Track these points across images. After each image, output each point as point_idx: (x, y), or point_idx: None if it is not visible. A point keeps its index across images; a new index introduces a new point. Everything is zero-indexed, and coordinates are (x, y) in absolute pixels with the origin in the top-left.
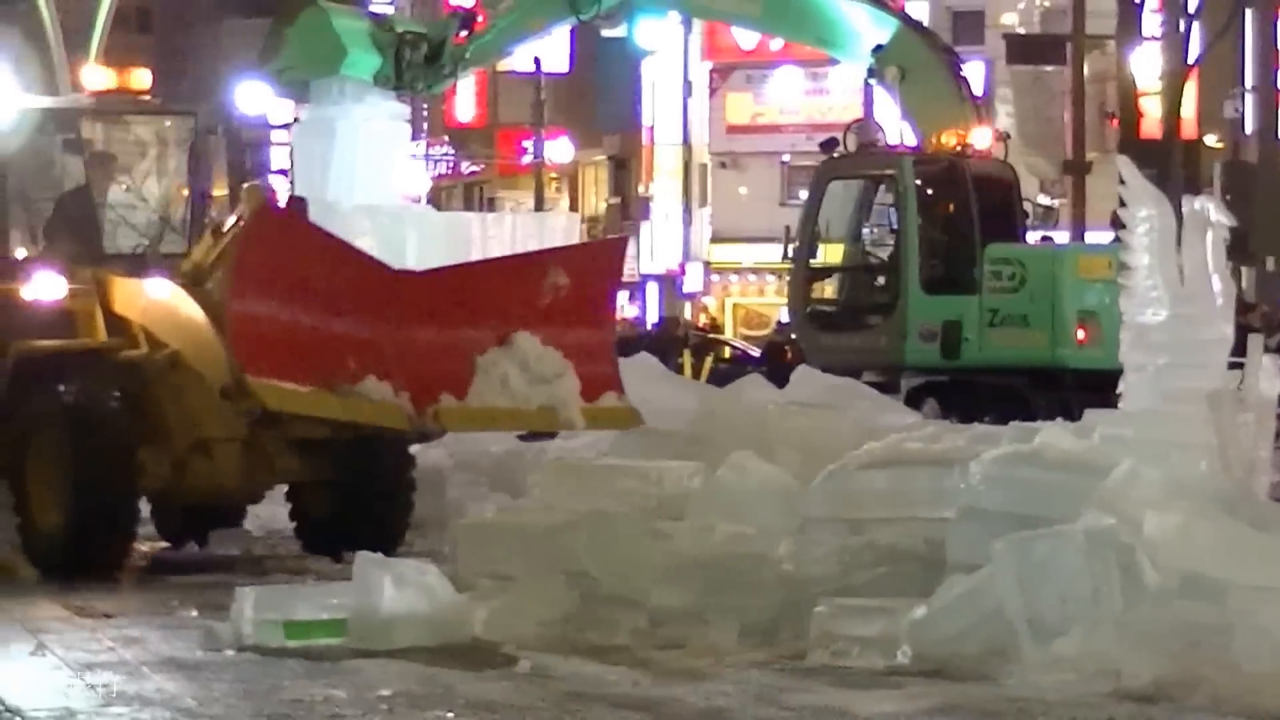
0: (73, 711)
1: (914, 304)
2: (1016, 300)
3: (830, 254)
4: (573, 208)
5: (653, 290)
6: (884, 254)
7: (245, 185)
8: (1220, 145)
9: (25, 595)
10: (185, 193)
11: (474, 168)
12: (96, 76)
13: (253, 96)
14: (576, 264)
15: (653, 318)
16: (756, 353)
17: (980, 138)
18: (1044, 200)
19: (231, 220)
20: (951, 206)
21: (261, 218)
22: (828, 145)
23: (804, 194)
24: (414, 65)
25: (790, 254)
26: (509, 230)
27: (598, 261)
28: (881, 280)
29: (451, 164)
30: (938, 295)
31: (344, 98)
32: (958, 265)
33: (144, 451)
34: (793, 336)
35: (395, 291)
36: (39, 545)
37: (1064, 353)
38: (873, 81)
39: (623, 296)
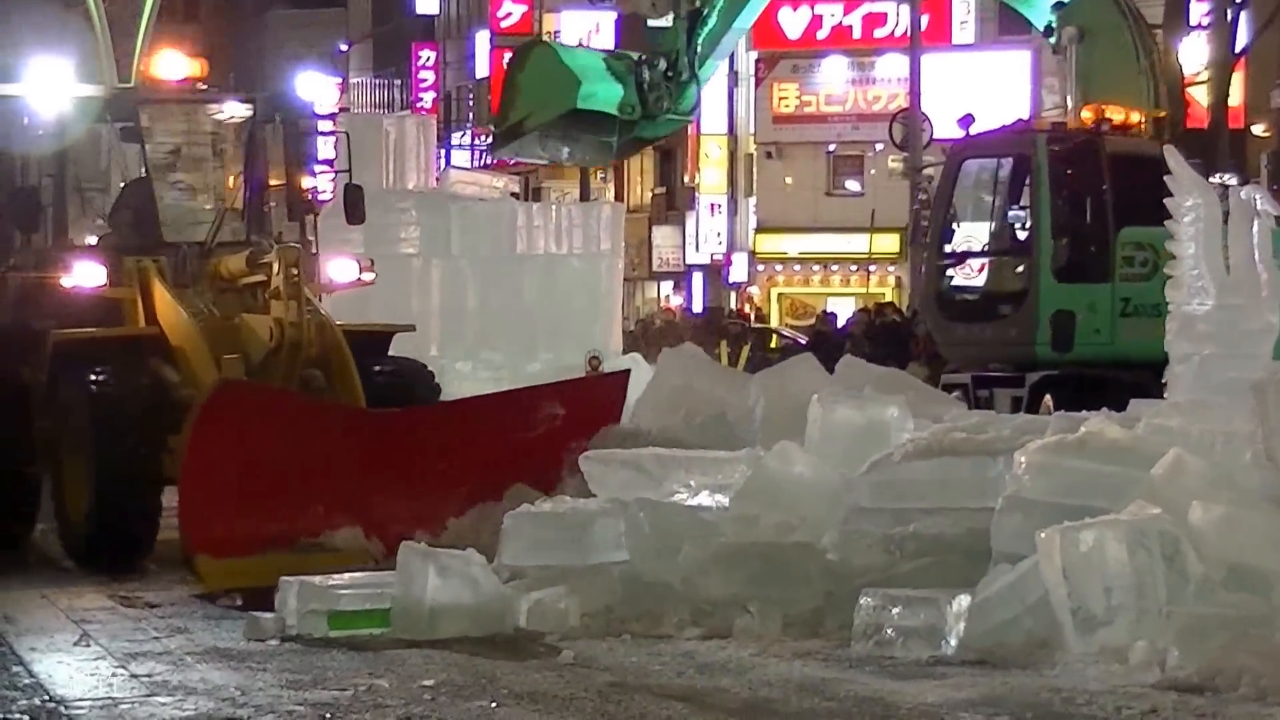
0: (116, 701)
1: (1045, 292)
2: (1149, 288)
3: (961, 239)
4: (618, 198)
5: (698, 280)
6: (1017, 239)
7: (278, 245)
8: (1268, 135)
9: (70, 585)
10: (243, 181)
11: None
12: (155, 65)
13: (310, 86)
14: (575, 399)
15: (698, 308)
16: (804, 341)
17: (1119, 114)
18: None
19: (266, 258)
20: (1087, 187)
21: (216, 402)
22: (965, 122)
23: (850, 184)
24: (655, 84)
25: (919, 239)
26: (554, 220)
27: (598, 397)
28: (1013, 267)
29: None
30: (1070, 283)
31: None
32: (1092, 251)
33: (174, 440)
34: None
35: (371, 434)
36: (71, 534)
37: None
38: (1050, 41)
39: (667, 286)
